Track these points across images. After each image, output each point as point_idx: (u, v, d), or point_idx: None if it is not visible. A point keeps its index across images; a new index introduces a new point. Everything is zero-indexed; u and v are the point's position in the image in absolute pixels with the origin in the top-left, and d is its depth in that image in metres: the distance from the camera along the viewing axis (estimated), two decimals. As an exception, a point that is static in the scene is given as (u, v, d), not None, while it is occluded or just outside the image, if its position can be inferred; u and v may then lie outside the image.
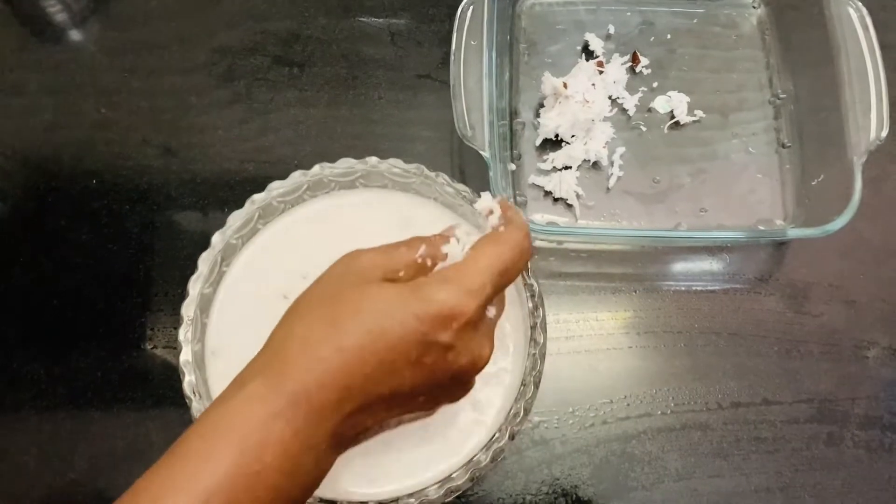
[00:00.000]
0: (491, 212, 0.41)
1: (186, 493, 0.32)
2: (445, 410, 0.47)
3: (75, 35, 0.73)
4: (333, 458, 0.38)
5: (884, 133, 0.58)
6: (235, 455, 0.34)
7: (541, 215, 0.64)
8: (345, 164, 0.52)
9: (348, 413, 0.36)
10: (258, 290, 0.50)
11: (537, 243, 0.63)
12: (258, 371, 0.37)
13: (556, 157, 0.65)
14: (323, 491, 0.44)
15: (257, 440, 0.34)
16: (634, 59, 0.69)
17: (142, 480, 0.34)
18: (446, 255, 0.40)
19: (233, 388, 0.37)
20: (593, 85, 0.66)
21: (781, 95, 0.68)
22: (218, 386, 0.48)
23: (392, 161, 0.52)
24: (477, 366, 0.40)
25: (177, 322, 0.48)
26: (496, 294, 0.39)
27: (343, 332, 0.36)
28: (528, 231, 0.40)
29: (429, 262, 0.40)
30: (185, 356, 0.46)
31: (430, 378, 0.38)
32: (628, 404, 0.59)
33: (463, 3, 0.61)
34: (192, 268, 0.49)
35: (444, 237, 0.41)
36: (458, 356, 0.38)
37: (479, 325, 0.39)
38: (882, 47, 0.60)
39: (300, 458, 0.35)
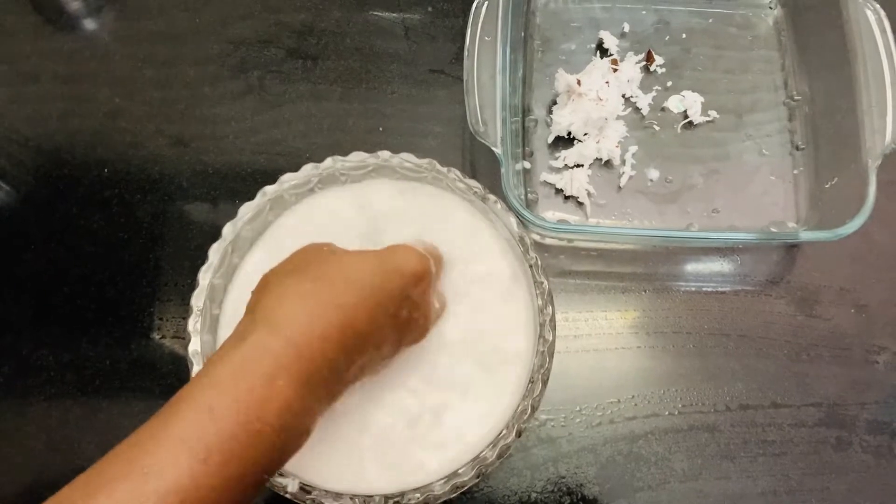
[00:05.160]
0: None
1: (188, 447, 0.32)
2: (454, 405, 0.47)
3: (90, 24, 0.73)
4: (317, 421, 0.38)
5: (900, 137, 0.57)
6: (239, 412, 0.33)
7: (552, 213, 0.64)
8: (357, 157, 0.52)
9: (343, 369, 0.38)
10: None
11: (547, 241, 0.63)
12: (259, 324, 0.37)
13: (568, 155, 0.65)
14: (330, 484, 0.45)
15: (260, 397, 0.34)
16: (649, 58, 0.69)
17: (143, 428, 0.33)
18: None
19: (233, 341, 0.37)
20: (607, 83, 0.66)
21: (796, 97, 0.68)
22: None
23: (404, 155, 0.52)
24: (427, 326, 0.46)
25: (186, 312, 0.48)
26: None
27: (338, 290, 0.38)
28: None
29: None
30: (195, 346, 0.47)
31: (399, 333, 0.43)
32: (636, 404, 0.59)
33: (478, -1, 0.61)
34: (202, 258, 0.49)
35: None
36: (421, 313, 0.44)
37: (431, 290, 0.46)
38: (900, 50, 0.60)
39: (299, 418, 0.36)
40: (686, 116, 0.67)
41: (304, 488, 0.44)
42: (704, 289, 0.63)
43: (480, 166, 0.65)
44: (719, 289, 0.63)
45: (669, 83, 0.69)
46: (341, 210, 0.53)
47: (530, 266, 0.49)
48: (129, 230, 0.64)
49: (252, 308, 0.39)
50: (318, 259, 0.42)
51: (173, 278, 0.62)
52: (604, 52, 0.70)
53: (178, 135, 0.67)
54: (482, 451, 0.46)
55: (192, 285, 0.49)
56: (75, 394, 0.59)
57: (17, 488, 0.56)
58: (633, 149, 0.66)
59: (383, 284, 0.40)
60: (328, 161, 0.52)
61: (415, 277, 0.43)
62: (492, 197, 0.51)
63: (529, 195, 0.64)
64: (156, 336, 0.60)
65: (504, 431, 0.46)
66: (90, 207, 0.65)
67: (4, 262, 0.63)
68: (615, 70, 0.67)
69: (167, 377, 0.59)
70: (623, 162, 0.65)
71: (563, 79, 0.65)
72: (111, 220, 0.64)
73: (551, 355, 0.47)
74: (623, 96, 0.67)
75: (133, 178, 0.66)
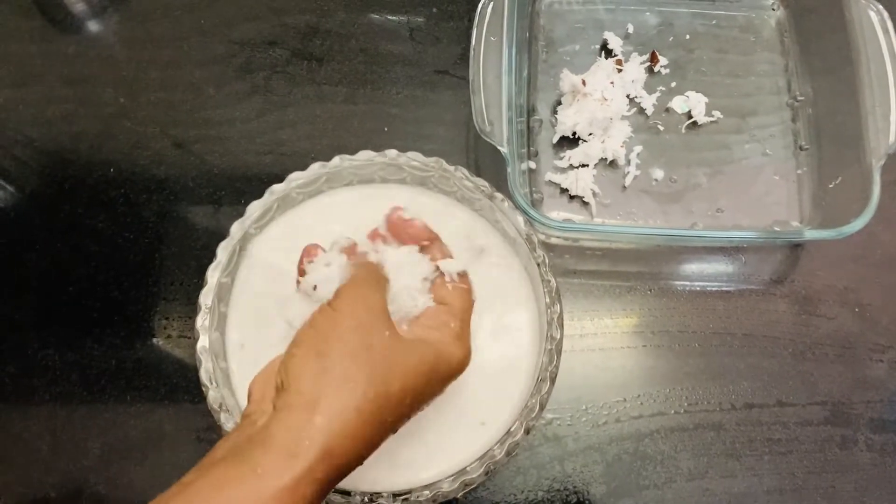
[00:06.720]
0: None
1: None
2: (462, 404, 0.47)
3: (94, 26, 0.73)
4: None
5: (903, 137, 0.58)
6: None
7: (557, 212, 0.64)
8: (364, 156, 0.52)
9: (364, 456, 0.37)
10: (276, 280, 0.50)
11: (552, 240, 0.63)
12: (285, 417, 0.35)
13: (573, 155, 0.65)
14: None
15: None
16: (653, 59, 0.69)
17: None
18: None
19: (249, 447, 0.35)
20: (612, 83, 0.66)
21: (799, 98, 0.68)
22: (240, 376, 0.48)
23: (411, 154, 0.52)
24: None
25: (192, 312, 0.48)
26: None
27: (387, 385, 0.37)
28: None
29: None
30: (203, 344, 0.46)
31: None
32: (641, 403, 0.59)
33: (483, 0, 0.61)
34: (208, 257, 0.49)
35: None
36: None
37: None
38: (903, 51, 0.60)
39: None
40: (690, 117, 0.68)
41: (313, 485, 0.44)
42: (709, 288, 0.63)
43: (485, 167, 0.65)
44: (724, 288, 0.63)
45: (673, 84, 0.69)
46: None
47: (538, 264, 0.49)
48: (134, 230, 0.64)
49: (288, 375, 0.37)
50: (367, 339, 0.38)
51: (179, 278, 0.62)
52: (608, 53, 0.70)
53: (183, 135, 0.68)
54: (491, 449, 0.46)
55: (198, 285, 0.49)
56: (81, 393, 0.59)
57: (22, 487, 0.56)
58: (638, 149, 0.66)
59: (430, 386, 0.40)
60: (336, 160, 0.52)
61: (454, 373, 0.42)
62: (499, 195, 0.51)
63: (535, 195, 0.64)
64: (161, 336, 0.60)
65: (512, 429, 0.46)
66: (95, 207, 0.65)
67: (10, 262, 0.63)
68: (620, 70, 0.68)
69: (172, 377, 0.59)
70: (628, 162, 0.66)
71: (568, 79, 0.65)
72: (116, 220, 0.64)
73: (559, 353, 0.47)
74: (627, 97, 0.68)
75: (138, 178, 0.66)
